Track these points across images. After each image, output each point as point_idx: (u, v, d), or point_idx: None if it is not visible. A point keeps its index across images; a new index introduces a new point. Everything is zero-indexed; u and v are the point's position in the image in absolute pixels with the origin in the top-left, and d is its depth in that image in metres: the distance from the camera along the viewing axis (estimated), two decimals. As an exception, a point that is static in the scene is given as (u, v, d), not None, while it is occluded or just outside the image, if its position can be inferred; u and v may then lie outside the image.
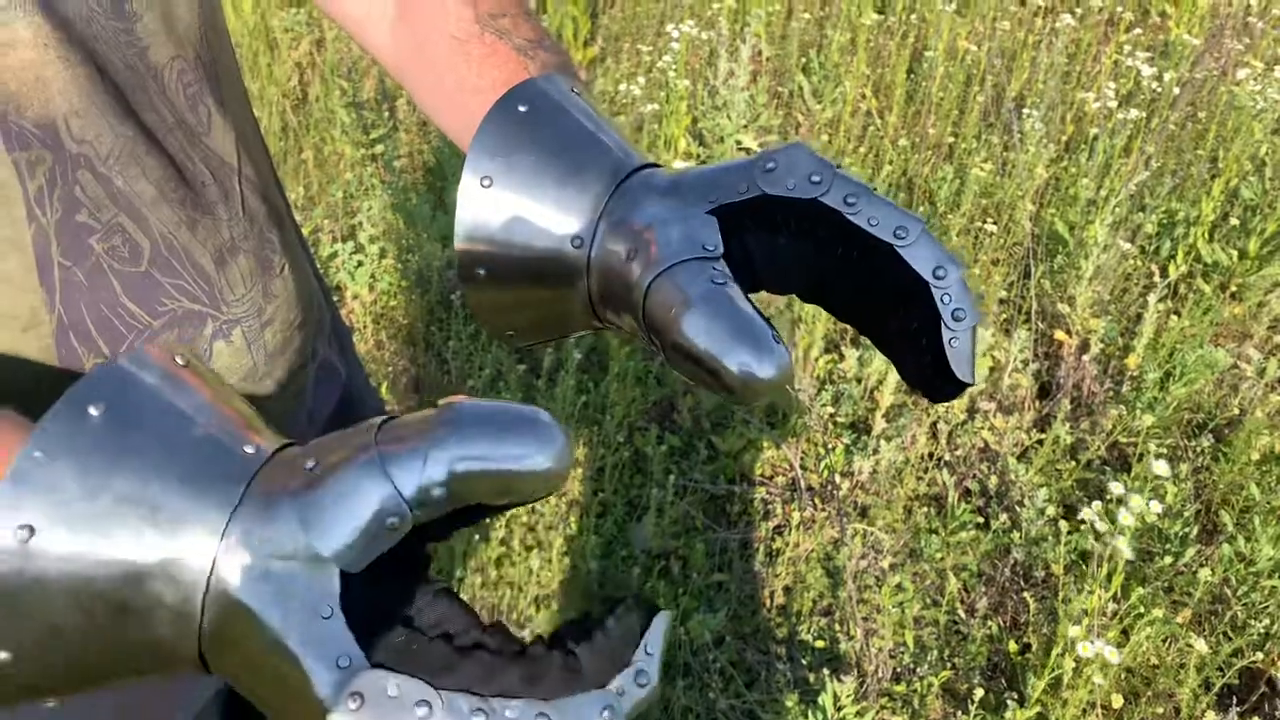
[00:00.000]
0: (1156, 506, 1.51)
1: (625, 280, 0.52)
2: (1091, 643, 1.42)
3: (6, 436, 0.42)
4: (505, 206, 0.55)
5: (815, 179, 0.51)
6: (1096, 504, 1.51)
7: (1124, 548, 1.42)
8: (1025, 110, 2.90)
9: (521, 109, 0.57)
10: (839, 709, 1.56)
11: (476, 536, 1.93)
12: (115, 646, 0.40)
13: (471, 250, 0.56)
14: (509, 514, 2.01)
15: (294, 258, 0.73)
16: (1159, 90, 3.17)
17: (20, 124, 0.53)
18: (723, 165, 0.54)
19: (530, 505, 2.05)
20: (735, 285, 0.49)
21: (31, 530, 0.38)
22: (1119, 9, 3.66)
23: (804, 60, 3.34)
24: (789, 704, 1.66)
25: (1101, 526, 1.47)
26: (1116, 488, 1.50)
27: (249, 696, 0.41)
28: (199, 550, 0.39)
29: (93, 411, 0.40)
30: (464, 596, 1.82)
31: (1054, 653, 1.57)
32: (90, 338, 0.58)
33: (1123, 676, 1.77)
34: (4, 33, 0.51)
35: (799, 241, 0.55)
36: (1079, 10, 3.70)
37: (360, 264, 2.50)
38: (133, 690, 0.65)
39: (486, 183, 0.55)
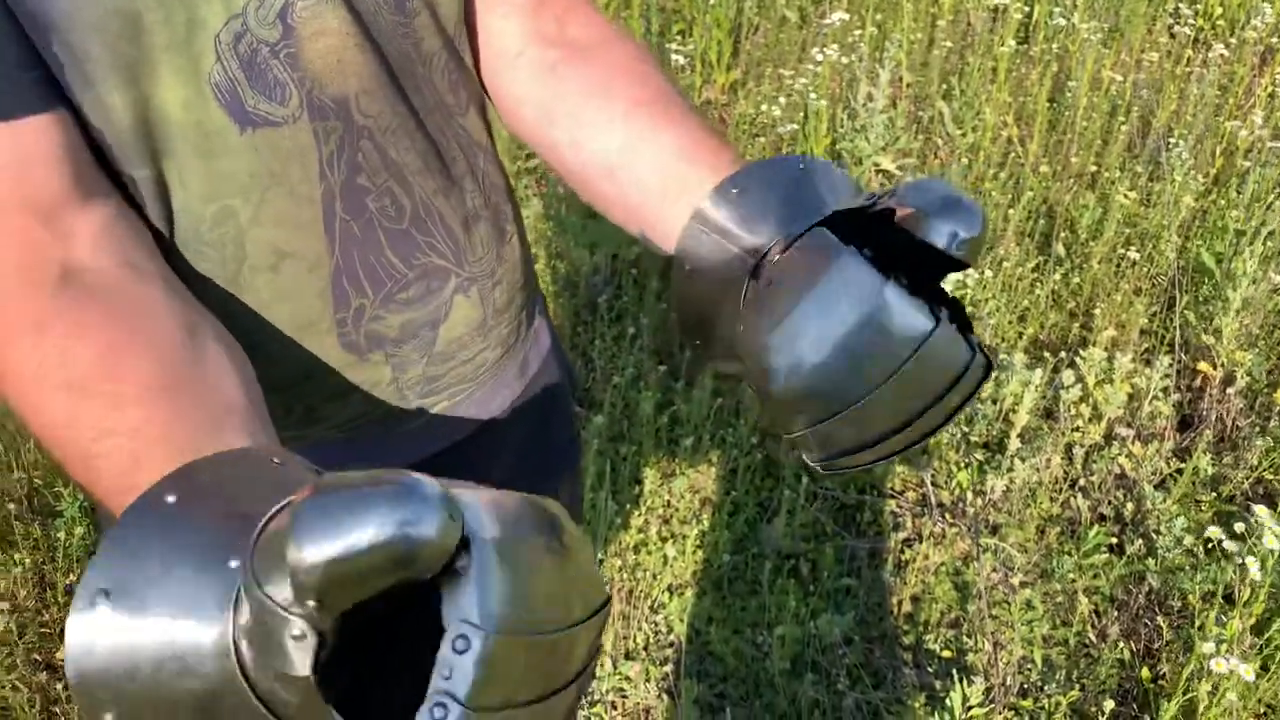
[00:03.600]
0: (1304, 533, 1.51)
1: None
2: (1227, 659, 1.43)
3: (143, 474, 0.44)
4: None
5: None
6: (1238, 525, 1.51)
7: (1253, 568, 1.42)
8: (1173, 141, 2.87)
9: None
10: (967, 711, 1.59)
11: (618, 521, 2.03)
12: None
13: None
14: (645, 505, 2.11)
15: (519, 228, 0.84)
16: (1317, 125, 3.09)
17: (321, 98, 0.64)
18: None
19: (664, 500, 2.15)
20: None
21: (107, 594, 0.38)
22: (1274, 40, 3.58)
23: (944, 87, 3.37)
24: (914, 705, 1.70)
25: (1233, 547, 1.47)
26: (1261, 510, 1.50)
27: None
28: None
29: (169, 499, 0.41)
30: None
31: (1186, 673, 1.57)
32: (358, 281, 0.69)
33: (1263, 713, 1.75)
34: (317, 22, 0.62)
35: None
36: (1232, 41, 3.63)
37: (512, 267, 2.64)
38: None
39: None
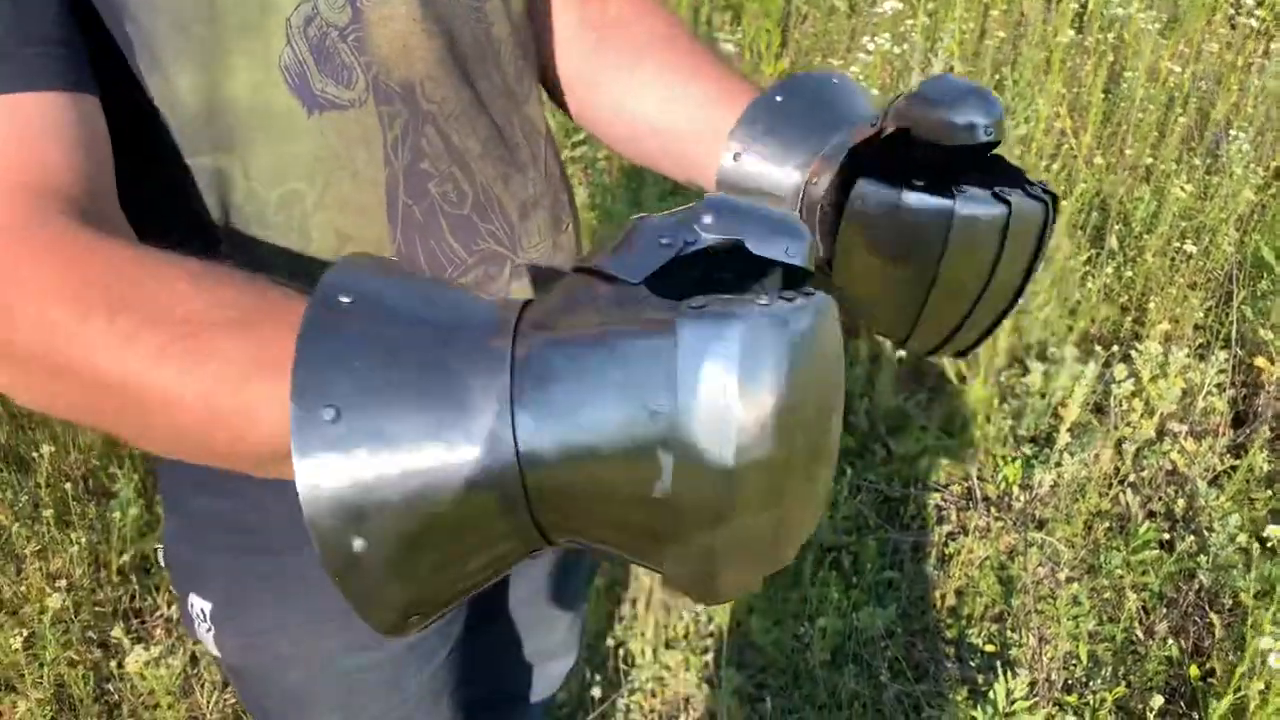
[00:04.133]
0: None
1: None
2: (1285, 657, 1.39)
3: (270, 330, 0.43)
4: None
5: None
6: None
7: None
8: (1232, 133, 2.80)
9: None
10: (1011, 704, 1.57)
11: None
12: (445, 516, 0.38)
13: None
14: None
15: (574, 220, 0.84)
16: (1384, 117, 3.00)
17: (388, 83, 0.64)
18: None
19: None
20: None
21: (338, 411, 0.37)
22: (1342, 32, 3.48)
23: (997, 77, 3.32)
24: (957, 699, 1.69)
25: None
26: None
27: (605, 538, 0.39)
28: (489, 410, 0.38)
29: (344, 299, 0.40)
30: (641, 568, 1.93)
31: (1239, 672, 1.54)
32: (419, 264, 0.69)
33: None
34: (386, 8, 0.63)
35: None
36: (1296, 33, 3.54)
37: (557, 257, 2.65)
38: (358, 655, 0.77)
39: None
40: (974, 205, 0.57)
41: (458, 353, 0.38)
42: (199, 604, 0.78)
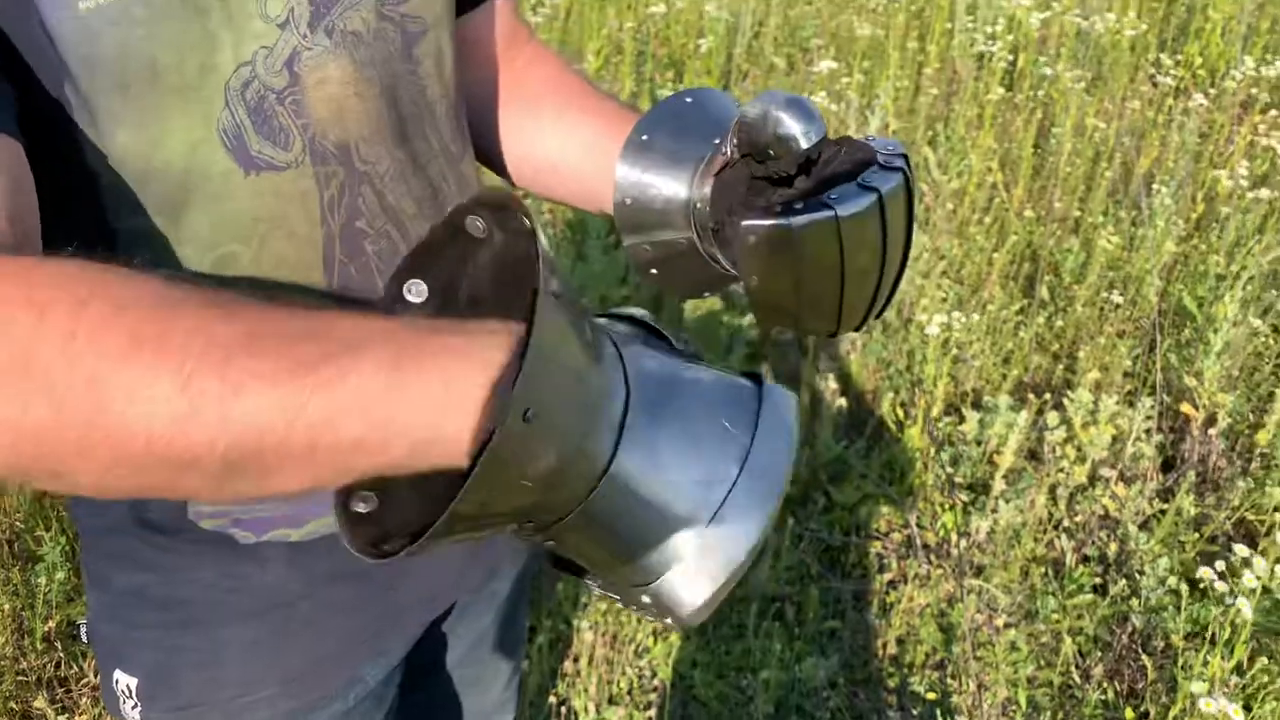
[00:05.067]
0: (1282, 572, 1.51)
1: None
2: (1215, 699, 1.42)
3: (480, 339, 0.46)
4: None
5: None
6: (1219, 563, 1.51)
7: (1245, 607, 1.42)
8: (1155, 187, 2.91)
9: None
10: (950, 754, 1.58)
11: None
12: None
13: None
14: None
15: None
16: (1296, 171, 3.14)
17: (324, 144, 0.66)
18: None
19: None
20: None
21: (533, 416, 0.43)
22: (1254, 90, 3.64)
23: (930, 133, 3.42)
24: (899, 749, 1.69)
25: (1223, 588, 1.47)
26: (1242, 549, 1.50)
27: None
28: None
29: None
30: (584, 624, 1.92)
31: (1172, 714, 1.56)
32: None
33: (1246, 754, 1.74)
34: (321, 71, 0.64)
35: None
36: (1212, 91, 3.69)
37: (500, 310, 2.65)
38: (321, 642, 0.77)
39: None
40: (851, 204, 0.62)
41: (605, 399, 0.48)
42: (124, 680, 0.77)
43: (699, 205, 0.72)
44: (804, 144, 0.63)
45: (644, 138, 0.75)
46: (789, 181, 0.66)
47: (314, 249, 0.67)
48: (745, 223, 0.63)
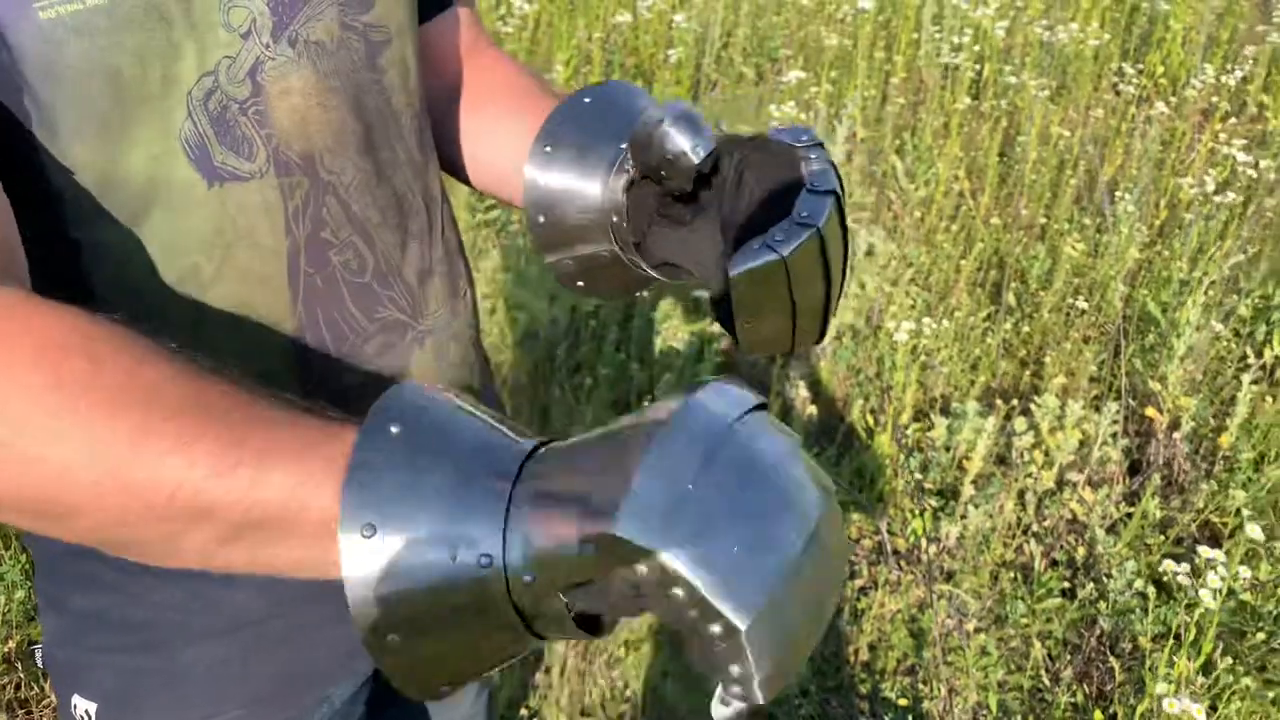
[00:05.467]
0: (1247, 571, 1.53)
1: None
2: (1179, 700, 1.44)
3: (321, 447, 0.47)
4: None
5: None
6: (1185, 564, 1.53)
7: (1210, 600, 1.44)
8: (1118, 194, 2.95)
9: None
10: (922, 760, 1.58)
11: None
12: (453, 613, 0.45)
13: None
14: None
15: (471, 285, 0.85)
16: (1256, 176, 3.19)
17: (288, 154, 0.65)
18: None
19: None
20: None
21: (373, 529, 0.43)
22: (1214, 99, 3.70)
23: (898, 142, 3.45)
24: (871, 756, 1.69)
25: (1186, 582, 1.49)
26: (1206, 551, 1.52)
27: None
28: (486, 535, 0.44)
29: (393, 429, 0.46)
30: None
31: (1139, 714, 1.58)
32: (320, 334, 0.69)
33: (1213, 754, 1.75)
34: (284, 82, 0.64)
35: None
36: (1174, 100, 3.75)
37: (470, 321, 2.65)
38: (292, 661, 0.76)
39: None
40: (792, 242, 0.62)
41: (474, 492, 0.45)
42: (83, 705, 0.75)
43: (615, 220, 0.72)
44: (694, 160, 0.63)
45: (547, 149, 0.75)
46: (693, 196, 0.67)
47: (279, 260, 0.66)
48: (735, 273, 0.63)
